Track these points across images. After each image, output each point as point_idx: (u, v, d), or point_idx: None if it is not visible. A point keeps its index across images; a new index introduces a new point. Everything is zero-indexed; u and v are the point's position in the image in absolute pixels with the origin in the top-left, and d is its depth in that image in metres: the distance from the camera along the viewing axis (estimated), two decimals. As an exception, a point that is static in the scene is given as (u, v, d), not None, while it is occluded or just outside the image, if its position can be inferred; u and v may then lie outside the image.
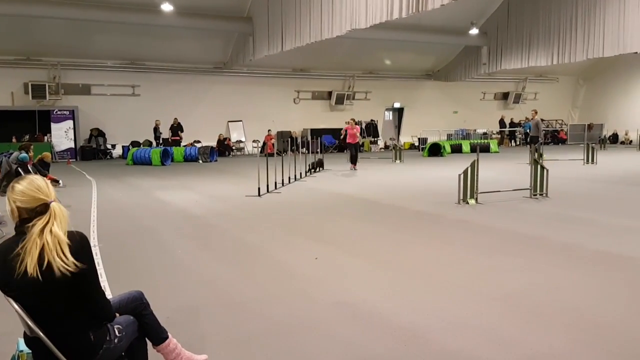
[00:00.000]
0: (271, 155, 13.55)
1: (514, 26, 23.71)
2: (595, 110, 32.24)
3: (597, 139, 26.16)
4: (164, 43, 22.45)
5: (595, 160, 16.55)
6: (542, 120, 32.59)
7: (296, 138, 23.24)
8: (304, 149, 17.85)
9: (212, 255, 5.89)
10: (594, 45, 20.02)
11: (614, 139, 30.22)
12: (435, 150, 22.64)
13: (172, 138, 22.68)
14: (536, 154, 9.95)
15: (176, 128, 22.80)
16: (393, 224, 7.57)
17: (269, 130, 25.40)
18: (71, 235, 2.29)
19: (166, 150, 19.81)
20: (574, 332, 3.53)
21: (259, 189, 10.48)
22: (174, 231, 7.22)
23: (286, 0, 17.85)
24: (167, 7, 18.78)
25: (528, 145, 17.62)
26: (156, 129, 22.63)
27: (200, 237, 6.88)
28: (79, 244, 2.28)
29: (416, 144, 28.43)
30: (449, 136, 28.59)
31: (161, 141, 22.68)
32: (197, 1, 19.98)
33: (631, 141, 28.76)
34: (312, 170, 15.30)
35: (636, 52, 19.16)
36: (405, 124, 30.35)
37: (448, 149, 23.20)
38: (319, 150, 17.24)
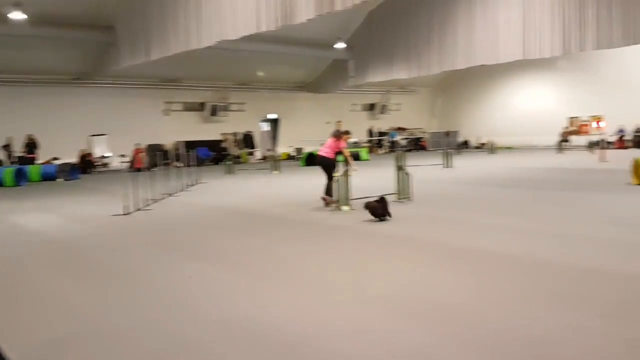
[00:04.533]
0: (140, 170, 12.86)
1: (376, 41, 25.15)
2: (451, 119, 35.34)
3: (453, 145, 28.66)
4: (15, 53, 20.38)
5: (452, 164, 18.09)
6: (406, 129, 35.06)
7: (169, 151, 22.43)
8: (179, 162, 17.25)
9: (77, 282, 5.41)
10: (447, 59, 21.96)
11: (467, 144, 33.30)
12: (311, 160, 23.12)
13: (27, 156, 20.59)
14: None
15: (31, 145, 20.74)
16: (272, 235, 7.56)
17: (136, 144, 24.10)
18: None
19: (20, 169, 17.91)
20: (445, 326, 3.76)
21: (126, 206, 9.88)
22: (33, 258, 6.51)
23: (150, 9, 17.17)
24: (17, 16, 17.04)
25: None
26: (7, 147, 20.39)
27: (62, 263, 6.28)
28: None
29: (293, 154, 28.88)
30: (323, 146, 29.40)
31: (15, 159, 20.48)
32: (54, 9, 18.39)
33: (483, 145, 31.90)
34: None
35: (483, 65, 21.36)
36: (282, 134, 30.72)
37: (322, 158, 23.78)
38: (194, 163, 16.77)
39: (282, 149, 30.23)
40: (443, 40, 21.98)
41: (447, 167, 18.00)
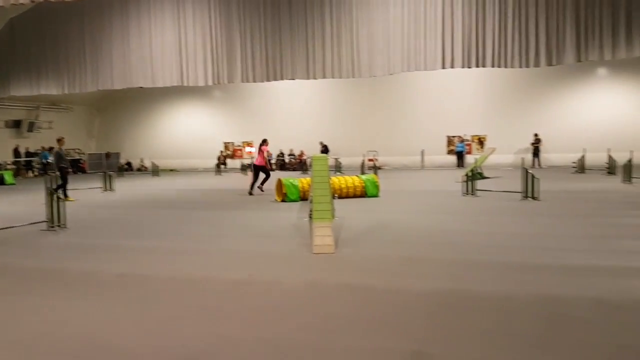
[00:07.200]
0: None
1: (20, 51, 22.30)
2: (112, 140, 33.99)
3: (115, 167, 27.61)
4: None
5: (113, 188, 17.38)
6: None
7: None
8: None
9: None
10: (103, 78, 21.08)
11: (130, 166, 32.59)
12: None
13: None
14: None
15: None
16: None
17: None
18: None
19: None
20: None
21: None
22: None
23: None
24: None
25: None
26: None
27: None
28: None
29: None
30: (-51, 168, 24.16)
31: None
32: None
33: (147, 167, 31.74)
34: None
35: (142, 87, 21.33)
36: None
37: (-52, 183, 19.57)
38: None
39: None
40: (98, 58, 21.01)
41: (108, 190, 17.18)
